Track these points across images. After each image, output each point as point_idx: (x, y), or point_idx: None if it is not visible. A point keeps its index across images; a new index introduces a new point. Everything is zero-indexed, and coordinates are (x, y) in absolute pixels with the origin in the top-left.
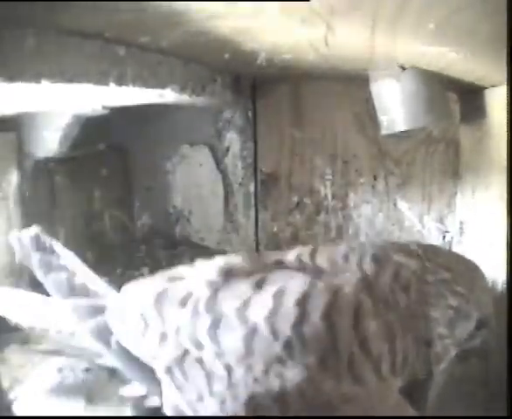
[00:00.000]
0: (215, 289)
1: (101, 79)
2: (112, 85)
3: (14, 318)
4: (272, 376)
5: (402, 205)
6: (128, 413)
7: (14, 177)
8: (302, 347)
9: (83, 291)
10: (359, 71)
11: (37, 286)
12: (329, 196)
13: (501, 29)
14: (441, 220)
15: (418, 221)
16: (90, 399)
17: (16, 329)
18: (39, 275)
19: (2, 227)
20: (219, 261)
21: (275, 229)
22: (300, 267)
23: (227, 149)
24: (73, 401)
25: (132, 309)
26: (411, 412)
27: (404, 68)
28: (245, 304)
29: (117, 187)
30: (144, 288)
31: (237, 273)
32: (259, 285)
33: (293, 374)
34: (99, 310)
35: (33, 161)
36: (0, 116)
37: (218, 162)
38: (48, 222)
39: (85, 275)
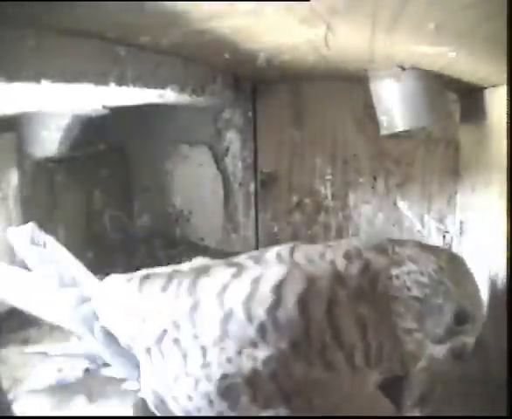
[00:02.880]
0: (195, 276)
1: (101, 79)
2: (112, 85)
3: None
4: (244, 357)
5: (402, 205)
6: (128, 413)
7: (14, 177)
8: (275, 331)
9: (72, 283)
10: (359, 71)
11: None
12: (329, 196)
13: (501, 29)
14: (441, 220)
15: (418, 221)
16: (90, 398)
17: (16, 329)
18: (33, 267)
19: (2, 227)
20: (199, 260)
21: (275, 229)
22: (279, 261)
23: (227, 149)
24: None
25: (116, 295)
26: (388, 406)
27: (404, 68)
28: (223, 289)
29: (117, 187)
30: (128, 276)
31: (216, 265)
32: (237, 274)
33: (264, 357)
34: (85, 299)
35: (33, 161)
36: (0, 116)
37: (218, 162)
38: (48, 222)
39: (74, 267)
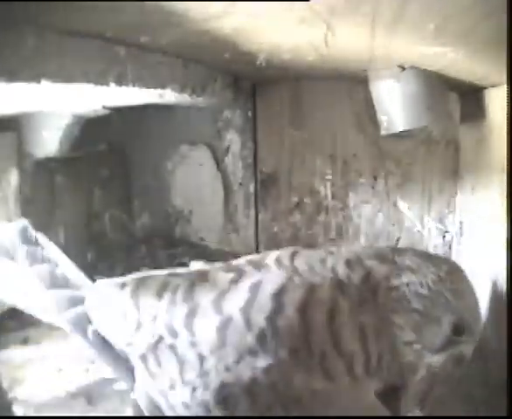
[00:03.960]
0: (192, 282)
1: (101, 79)
2: (112, 85)
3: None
4: (243, 366)
5: (402, 205)
6: (129, 413)
7: (14, 177)
8: (275, 339)
9: (64, 283)
10: (359, 71)
11: None
12: (329, 196)
13: (501, 29)
14: (441, 220)
15: (418, 221)
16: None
17: (16, 329)
18: (24, 266)
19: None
20: (197, 264)
21: (275, 229)
22: (278, 267)
23: (227, 149)
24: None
25: (110, 300)
26: (386, 415)
27: (404, 68)
28: (221, 295)
29: (117, 187)
30: (121, 281)
31: (213, 271)
32: (235, 280)
33: (264, 366)
34: (78, 301)
35: (33, 161)
36: (0, 116)
37: (218, 162)
38: (48, 222)
39: (66, 267)
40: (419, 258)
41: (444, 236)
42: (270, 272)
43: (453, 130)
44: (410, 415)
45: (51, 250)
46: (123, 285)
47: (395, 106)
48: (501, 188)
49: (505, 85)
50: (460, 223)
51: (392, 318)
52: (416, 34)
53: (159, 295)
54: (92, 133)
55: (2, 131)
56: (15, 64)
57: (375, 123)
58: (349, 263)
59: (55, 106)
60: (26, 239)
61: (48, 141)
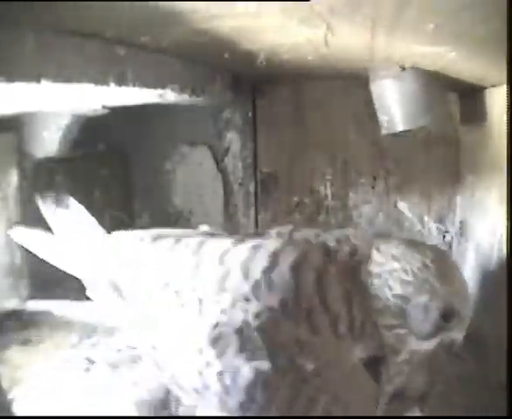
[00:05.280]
0: (201, 240)
1: (101, 79)
2: (112, 85)
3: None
4: (237, 309)
5: (402, 205)
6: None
7: (14, 177)
8: (268, 290)
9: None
10: (359, 71)
11: (36, 287)
12: (329, 196)
13: (501, 29)
14: (441, 220)
15: (418, 221)
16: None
17: (16, 329)
18: (56, 229)
19: (2, 227)
20: (205, 227)
21: None
22: (278, 236)
23: (227, 149)
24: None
25: (129, 251)
26: (371, 382)
27: (404, 68)
28: (225, 252)
29: (117, 187)
30: (140, 234)
31: (219, 234)
32: (238, 242)
33: (256, 310)
34: (100, 253)
35: (33, 161)
36: (0, 116)
37: (218, 162)
38: None
39: (92, 226)
40: (405, 247)
41: (444, 236)
42: (270, 239)
43: (453, 130)
44: (409, 415)
45: (80, 212)
46: (142, 239)
47: (395, 105)
48: (500, 188)
49: (505, 85)
50: (460, 222)
51: (371, 302)
52: (416, 34)
53: (172, 249)
54: (92, 133)
55: (2, 131)
56: (15, 64)
57: (375, 123)
58: (338, 240)
59: (55, 106)
60: (58, 206)
61: (48, 141)
